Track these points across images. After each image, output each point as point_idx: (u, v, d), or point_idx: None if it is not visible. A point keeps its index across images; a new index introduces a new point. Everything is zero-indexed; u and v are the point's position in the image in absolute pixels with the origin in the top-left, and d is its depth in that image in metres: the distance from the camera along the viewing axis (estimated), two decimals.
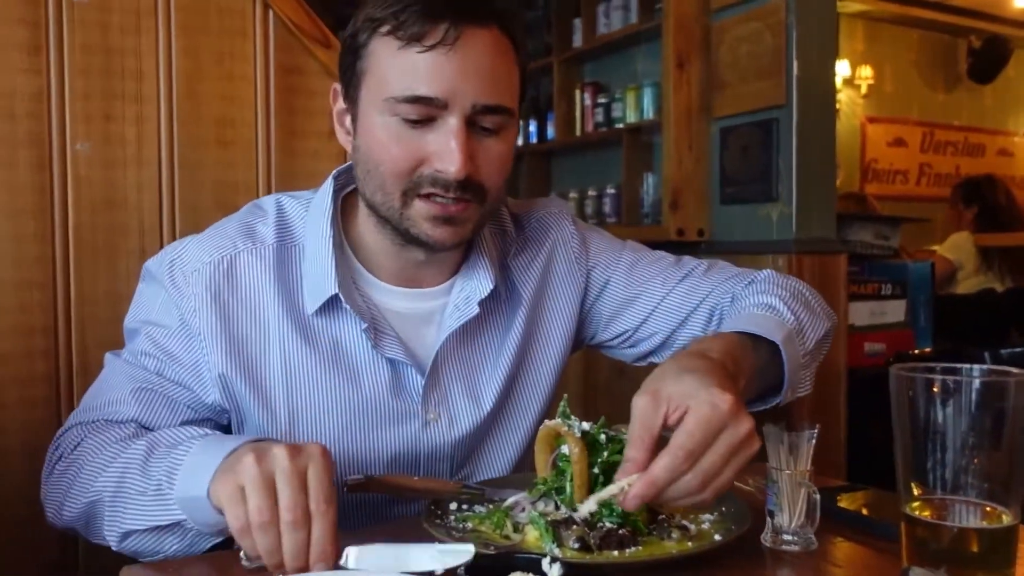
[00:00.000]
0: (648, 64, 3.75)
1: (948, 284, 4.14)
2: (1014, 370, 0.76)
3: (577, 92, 4.22)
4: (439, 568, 0.80)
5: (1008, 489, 0.77)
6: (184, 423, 1.09)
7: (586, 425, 0.95)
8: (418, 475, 1.15)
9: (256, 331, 1.10)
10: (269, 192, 1.72)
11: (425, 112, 1.01)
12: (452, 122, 1.01)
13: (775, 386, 1.11)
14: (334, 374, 1.11)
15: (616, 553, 0.87)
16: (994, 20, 6.64)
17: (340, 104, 1.12)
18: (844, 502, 1.07)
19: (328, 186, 1.15)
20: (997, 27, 6.69)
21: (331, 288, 1.08)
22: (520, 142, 4.37)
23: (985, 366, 0.78)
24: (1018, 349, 2.97)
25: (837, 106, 3.47)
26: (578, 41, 4.16)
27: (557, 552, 0.86)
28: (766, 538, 0.95)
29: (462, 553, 0.81)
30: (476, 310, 1.14)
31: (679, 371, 0.91)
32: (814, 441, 0.95)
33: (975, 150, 7.06)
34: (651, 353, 1.32)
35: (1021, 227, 4.27)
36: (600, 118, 4.04)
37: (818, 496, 0.94)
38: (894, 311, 3.20)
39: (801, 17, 2.75)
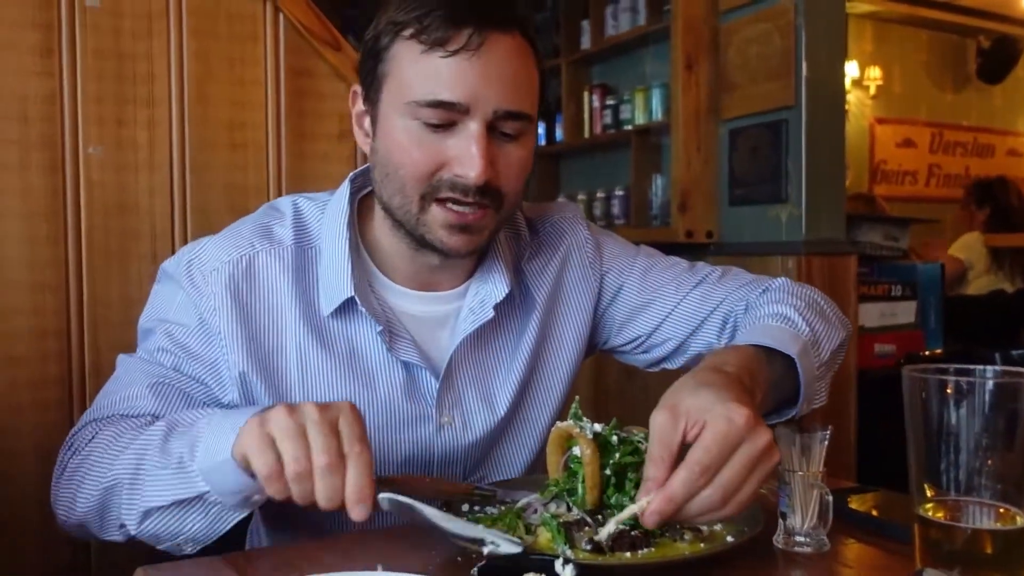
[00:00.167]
0: (656, 65, 3.74)
1: (958, 284, 4.13)
2: None
3: (585, 94, 4.22)
4: (489, 543, 0.81)
5: (1022, 490, 0.76)
6: None
7: (598, 427, 0.95)
8: (431, 478, 1.14)
9: (273, 331, 1.10)
10: (280, 195, 1.73)
11: (447, 117, 1.01)
12: (473, 127, 1.01)
13: (790, 399, 1.11)
14: (349, 376, 1.11)
15: (628, 555, 0.87)
16: (1003, 20, 6.62)
17: (360, 106, 1.12)
18: (855, 504, 1.06)
19: (345, 188, 1.15)
20: (1006, 27, 6.67)
21: (347, 290, 1.08)
22: None
23: (998, 367, 0.78)
24: None
25: (846, 107, 3.46)
26: (586, 43, 4.16)
27: (569, 554, 0.86)
28: (778, 540, 0.95)
29: (511, 544, 0.82)
30: (491, 314, 1.14)
31: (696, 386, 0.91)
32: (826, 443, 0.95)
33: (984, 151, 7.04)
34: (664, 359, 1.31)
35: None
36: (608, 120, 4.03)
37: (831, 498, 0.93)
38: (904, 312, 3.19)
39: (810, 18, 2.74)
